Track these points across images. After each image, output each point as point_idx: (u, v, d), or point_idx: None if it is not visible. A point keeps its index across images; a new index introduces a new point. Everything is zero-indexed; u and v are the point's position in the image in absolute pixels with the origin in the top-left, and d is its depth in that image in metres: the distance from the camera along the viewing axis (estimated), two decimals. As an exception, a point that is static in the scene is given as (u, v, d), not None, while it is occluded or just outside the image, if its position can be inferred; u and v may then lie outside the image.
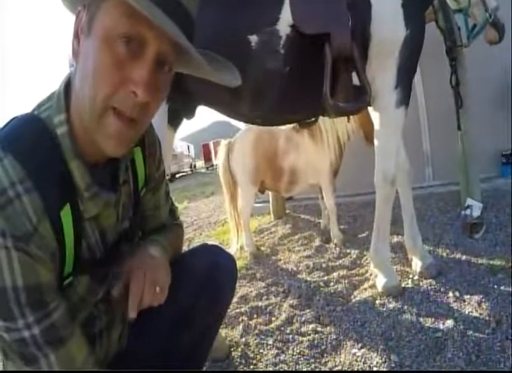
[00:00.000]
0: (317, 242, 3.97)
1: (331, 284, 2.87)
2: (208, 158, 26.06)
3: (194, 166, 25.90)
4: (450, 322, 2.06)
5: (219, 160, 4.08)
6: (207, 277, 1.33)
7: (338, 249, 3.65)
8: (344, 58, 2.01)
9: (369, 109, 2.40)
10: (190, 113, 2.39)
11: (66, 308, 0.89)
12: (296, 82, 2.13)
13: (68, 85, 0.94)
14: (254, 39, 2.04)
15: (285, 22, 2.03)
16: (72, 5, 0.91)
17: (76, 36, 0.88)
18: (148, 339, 1.29)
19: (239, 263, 3.66)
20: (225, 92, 2.07)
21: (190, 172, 23.10)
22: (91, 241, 0.99)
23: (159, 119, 1.98)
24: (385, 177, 2.36)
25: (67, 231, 0.89)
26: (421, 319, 2.16)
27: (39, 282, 0.81)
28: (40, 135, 0.89)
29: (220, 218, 6.22)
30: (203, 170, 25.00)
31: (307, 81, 2.13)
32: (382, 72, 2.23)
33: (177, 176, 19.81)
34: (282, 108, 2.30)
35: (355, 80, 2.08)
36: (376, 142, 2.41)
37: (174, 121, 2.33)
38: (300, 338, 2.22)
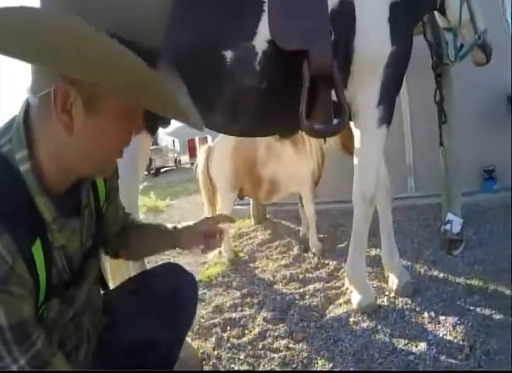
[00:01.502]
0: (295, 251, 3.93)
1: (307, 297, 2.83)
2: (193, 153, 25.79)
3: (179, 161, 25.75)
4: (423, 345, 2.04)
5: (198, 165, 4.03)
6: (169, 298, 1.34)
7: (316, 259, 3.62)
8: (323, 77, 1.94)
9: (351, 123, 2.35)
10: (165, 123, 2.35)
11: (45, 332, 0.92)
12: (273, 99, 2.07)
13: (26, 116, 0.92)
14: (229, 54, 1.97)
15: (262, 37, 1.96)
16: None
17: (65, 110, 0.87)
18: (112, 359, 1.28)
19: (216, 269, 3.64)
20: (201, 105, 2.03)
21: (174, 167, 22.99)
22: (59, 267, 1.00)
23: None
24: (364, 197, 2.31)
25: (39, 264, 0.90)
26: (394, 340, 2.14)
27: (22, 318, 0.84)
28: (4, 175, 0.89)
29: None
30: (188, 166, 24.92)
31: (285, 98, 2.05)
32: (364, 89, 2.17)
33: (162, 170, 19.70)
34: (258, 123, 2.24)
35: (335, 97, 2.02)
36: (355, 160, 2.36)
37: (151, 128, 2.29)
38: (272, 354, 2.18)
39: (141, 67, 0.73)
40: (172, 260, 4.10)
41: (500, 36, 3.66)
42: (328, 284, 3.00)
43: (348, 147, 3.47)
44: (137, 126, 0.95)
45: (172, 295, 1.34)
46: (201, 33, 1.96)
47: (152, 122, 2.24)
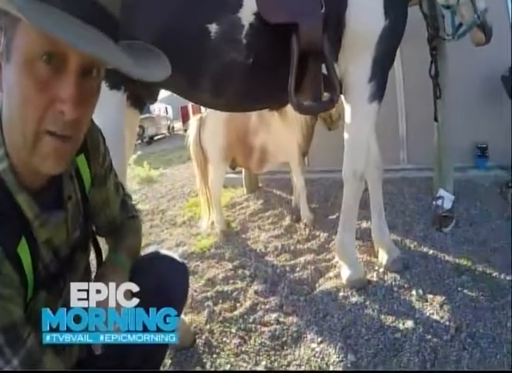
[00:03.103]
0: (287, 221, 3.97)
1: (297, 269, 2.88)
2: (186, 120, 25.44)
3: (173, 128, 25.47)
4: (410, 324, 2.08)
5: (189, 135, 3.98)
6: (156, 293, 1.25)
7: (307, 229, 3.66)
8: (313, 51, 1.88)
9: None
10: (151, 98, 2.28)
11: (34, 330, 0.90)
12: (260, 75, 1.99)
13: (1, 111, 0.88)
14: (213, 28, 1.86)
15: (248, 9, 1.87)
16: None
17: None
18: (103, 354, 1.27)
19: (209, 241, 3.67)
20: (185, 80, 1.96)
21: (168, 135, 22.77)
22: (46, 261, 0.98)
23: (114, 110, 1.85)
24: (354, 174, 2.30)
25: (26, 263, 0.88)
26: (382, 317, 2.18)
27: (12, 320, 0.83)
28: None
29: (194, 188, 6.12)
30: (181, 132, 24.82)
31: (273, 73, 1.99)
32: (356, 64, 2.12)
33: (155, 138, 19.51)
34: (244, 99, 2.18)
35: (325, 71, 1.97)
36: (345, 136, 2.33)
37: (139, 104, 2.22)
38: (263, 328, 2.24)
39: None
40: (166, 231, 4.14)
41: (498, 14, 3.60)
42: (319, 256, 3.05)
43: (326, 121, 3.57)
44: (60, 91, 0.78)
45: (159, 290, 1.27)
46: (185, 5, 1.86)
47: (138, 97, 2.17)
